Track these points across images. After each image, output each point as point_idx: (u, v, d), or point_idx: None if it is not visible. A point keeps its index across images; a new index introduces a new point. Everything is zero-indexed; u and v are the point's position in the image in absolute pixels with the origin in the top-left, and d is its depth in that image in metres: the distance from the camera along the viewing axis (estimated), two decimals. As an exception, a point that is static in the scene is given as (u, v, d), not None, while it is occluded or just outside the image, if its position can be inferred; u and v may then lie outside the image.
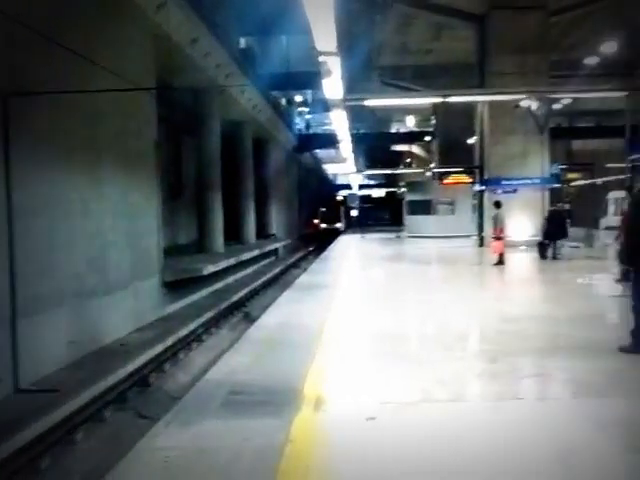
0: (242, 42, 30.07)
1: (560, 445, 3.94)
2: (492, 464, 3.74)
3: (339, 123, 20.30)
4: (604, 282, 12.91)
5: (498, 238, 16.52)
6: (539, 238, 18.49)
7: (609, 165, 33.11)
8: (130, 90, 10.65)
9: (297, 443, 4.04)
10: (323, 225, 57.84)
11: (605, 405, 4.78)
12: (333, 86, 11.51)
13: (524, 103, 19.39)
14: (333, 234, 46.75)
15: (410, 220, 35.15)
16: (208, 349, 12.61)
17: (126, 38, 12.66)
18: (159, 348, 11.21)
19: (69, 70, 9.68)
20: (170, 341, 11.83)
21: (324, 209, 58.76)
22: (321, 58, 9.72)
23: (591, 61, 22.04)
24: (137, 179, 13.47)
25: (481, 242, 24.39)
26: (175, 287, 15.45)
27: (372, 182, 69.78)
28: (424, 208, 34.27)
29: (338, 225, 57.87)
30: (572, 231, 22.16)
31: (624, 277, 11.67)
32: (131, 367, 9.80)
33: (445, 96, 13.79)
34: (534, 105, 19.84)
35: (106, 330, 11.22)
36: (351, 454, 3.90)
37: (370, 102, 15.41)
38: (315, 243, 43.49)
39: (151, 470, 3.73)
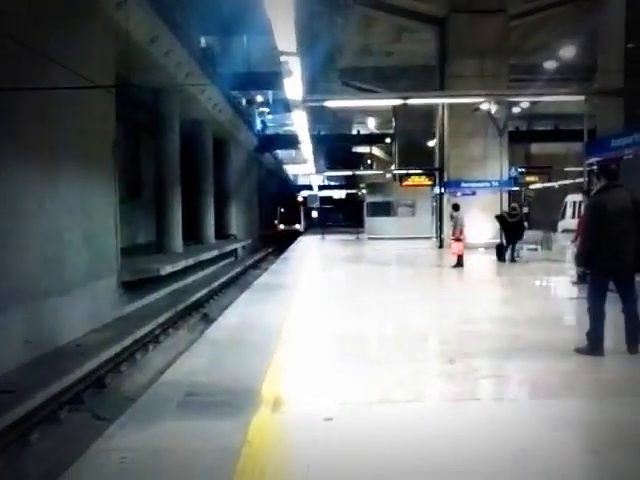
0: (203, 41, 29.91)
1: (516, 445, 4.01)
2: (449, 464, 3.78)
3: (300, 124, 20.34)
4: (562, 284, 13.19)
5: (457, 240, 16.73)
6: (497, 240, 18.74)
7: (567, 169, 33.84)
8: (88, 88, 10.46)
9: (254, 444, 4.05)
10: (282, 226, 55.11)
11: (559, 406, 4.86)
12: (294, 86, 11.51)
13: (483, 106, 19.67)
14: (293, 235, 45.34)
15: (370, 221, 35.32)
16: (165, 350, 12.53)
17: (84, 35, 12.47)
18: (116, 349, 11.12)
19: (23, 66, 9.51)
20: (127, 342, 11.75)
21: (283, 209, 56.45)
22: (282, 58, 9.71)
23: (550, 65, 22.42)
24: (95, 178, 13.31)
25: (440, 244, 24.69)
26: (133, 287, 15.33)
27: (333, 183, 70.08)
28: (384, 210, 34.45)
29: (297, 226, 55.33)
30: (530, 234, 22.58)
31: (581, 279, 11.92)
32: (87, 368, 9.72)
33: (405, 98, 13.88)
34: (493, 108, 20.13)
35: (62, 330, 11.06)
36: (308, 454, 3.91)
37: (330, 103, 15.42)
38: (275, 244, 43.52)
39: (106, 471, 3.70)
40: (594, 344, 6.36)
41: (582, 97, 14.85)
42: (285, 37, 8.88)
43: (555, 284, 13.48)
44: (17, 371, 9.30)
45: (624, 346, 6.39)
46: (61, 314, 11.09)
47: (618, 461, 3.76)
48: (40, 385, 8.40)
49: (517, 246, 17.99)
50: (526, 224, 19.88)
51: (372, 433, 4.28)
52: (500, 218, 18.18)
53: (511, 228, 17.64)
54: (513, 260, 17.54)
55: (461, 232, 16.71)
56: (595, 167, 12.53)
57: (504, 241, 17.91)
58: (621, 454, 3.87)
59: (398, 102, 16.15)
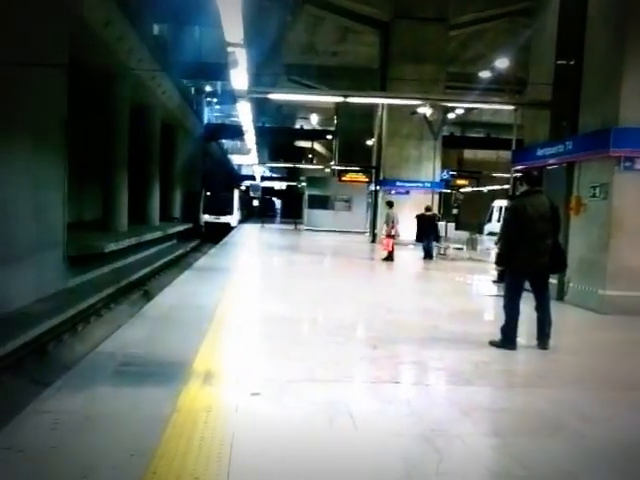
0: (155, 29, 29.56)
1: (429, 426, 4.22)
2: (366, 437, 3.99)
3: (244, 114, 20.42)
4: (483, 282, 13.71)
5: (389, 236, 17.25)
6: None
7: (495, 174, 35.04)
8: (42, 65, 10.39)
9: (183, 412, 4.19)
10: (206, 217, 39.17)
11: (470, 392, 5.11)
12: (239, 77, 11.65)
13: (420, 110, 20.23)
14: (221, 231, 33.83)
15: (309, 213, 35.78)
16: (105, 323, 12.64)
17: (39, 14, 12.30)
18: (59, 319, 11.19)
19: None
20: (70, 313, 11.80)
21: (209, 193, 40.11)
22: (229, 49, 9.86)
23: (485, 75, 23.23)
24: (44, 153, 13.17)
25: (373, 238, 25.24)
26: (77, 263, 15.31)
27: (275, 175, 70.18)
28: (322, 203, 34.97)
29: (228, 219, 39.50)
30: (457, 234, 23.38)
31: (500, 278, 12.54)
32: (30, 335, 9.77)
33: (346, 96, 14.20)
34: (429, 112, 20.72)
35: (5, 298, 10.95)
36: (234, 424, 4.06)
37: (274, 95, 15.65)
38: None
39: (39, 432, 3.77)
40: (507, 339, 6.70)
41: (512, 107, 15.57)
42: (232, 28, 9.02)
43: (476, 282, 13.98)
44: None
45: (535, 342, 6.77)
46: (5, 283, 10.99)
47: (519, 445, 3.99)
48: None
49: (434, 244, 18.86)
50: (439, 223, 20.65)
51: (296, 408, 4.46)
52: (418, 217, 18.87)
53: (425, 226, 18.39)
54: (430, 257, 18.21)
55: (392, 228, 17.23)
56: (520, 174, 13.17)
57: (421, 238, 18.63)
58: (523, 438, 4.12)
59: (339, 99, 16.51)
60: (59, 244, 13.99)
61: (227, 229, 35.30)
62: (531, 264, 6.64)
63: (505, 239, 6.94)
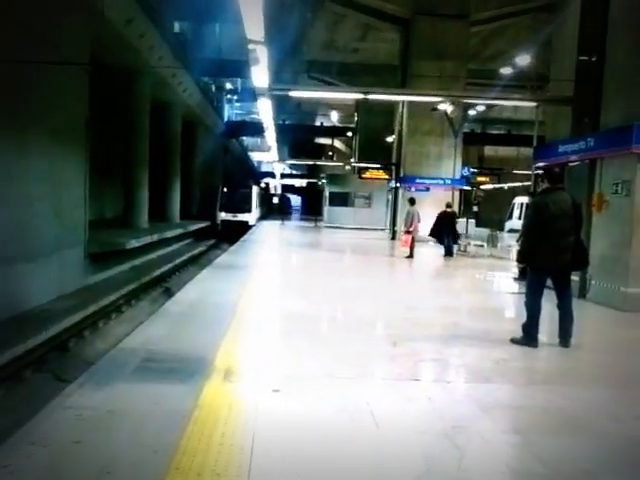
0: (176, 27, 29.72)
1: (448, 422, 4.22)
2: (387, 435, 3.98)
3: (265, 111, 20.46)
4: (503, 279, 13.61)
5: (407, 232, 17.27)
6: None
7: (516, 171, 34.79)
8: (63, 64, 10.50)
9: (204, 408, 4.21)
10: (223, 215, 36.82)
11: (491, 390, 5.08)
12: (260, 74, 11.68)
13: (441, 107, 20.13)
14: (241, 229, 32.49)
15: (329, 211, 35.85)
16: (127, 320, 12.78)
17: (61, 12, 12.43)
18: (80, 316, 11.31)
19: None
20: (91, 310, 11.92)
21: (226, 190, 37.63)
22: (250, 46, 9.88)
23: (506, 72, 23.08)
24: (67, 151, 13.33)
25: (393, 235, 25.20)
26: (98, 259, 15.46)
27: (295, 172, 70.32)
28: (342, 200, 35.01)
29: (246, 217, 37.12)
30: (477, 231, 23.25)
31: (521, 276, 12.48)
32: (51, 332, 9.87)
33: (366, 93, 14.17)
34: (450, 109, 20.62)
35: (28, 296, 11.10)
36: (255, 421, 4.08)
37: (295, 93, 15.66)
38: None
39: (63, 426, 3.81)
40: (529, 336, 6.67)
41: (534, 104, 15.42)
42: (253, 25, 9.03)
43: (497, 279, 13.87)
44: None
45: (557, 339, 6.72)
46: (27, 280, 11.13)
47: (541, 442, 3.97)
48: (5, 346, 8.50)
49: (456, 241, 18.83)
50: (458, 220, 20.63)
51: (316, 405, 4.46)
52: (439, 215, 18.82)
53: (445, 223, 18.34)
54: (450, 254, 18.16)
55: (411, 224, 17.24)
56: (541, 171, 13.07)
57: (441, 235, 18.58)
58: (544, 436, 4.10)
59: (359, 96, 16.47)
60: (81, 241, 14.15)
61: (245, 228, 33.57)
62: (553, 261, 6.61)
63: (527, 236, 6.92)
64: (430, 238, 19.55)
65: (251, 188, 38.62)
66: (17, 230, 10.78)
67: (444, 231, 18.35)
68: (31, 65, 10.07)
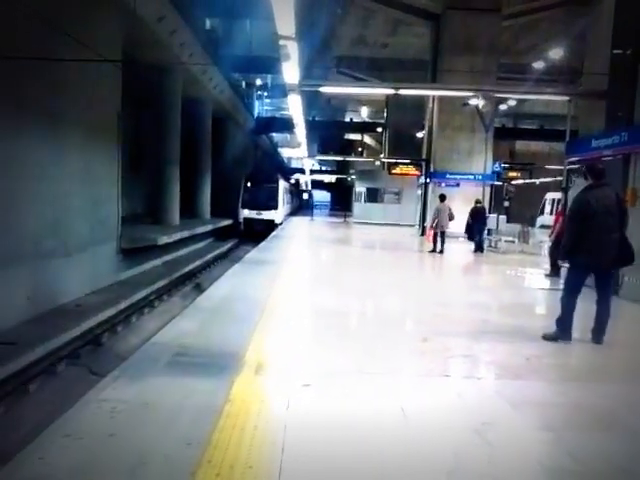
0: (207, 23, 29.90)
1: (478, 419, 4.20)
2: (418, 431, 3.97)
3: (295, 107, 20.50)
4: (535, 276, 13.46)
5: (431, 227, 17.41)
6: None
7: (548, 167, 34.33)
8: (96, 61, 10.66)
9: (236, 403, 4.25)
10: (246, 212, 32.95)
11: (521, 386, 5.05)
12: (291, 70, 11.71)
13: (472, 102, 19.99)
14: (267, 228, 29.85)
15: (358, 206, 35.82)
16: (159, 314, 12.92)
17: (94, 10, 12.61)
18: (113, 310, 11.52)
19: (34, 36, 9.65)
20: (123, 305, 12.11)
21: (249, 184, 33.51)
22: (281, 42, 9.91)
23: (538, 66, 22.80)
24: (100, 148, 13.57)
25: (423, 231, 25.10)
26: (130, 255, 15.73)
27: (324, 168, 70.34)
28: (372, 196, 34.97)
29: (272, 215, 33.24)
30: (509, 227, 23.01)
31: (554, 272, 12.35)
32: (85, 326, 10.07)
33: (397, 88, 14.15)
34: (481, 104, 20.46)
35: (63, 290, 11.29)
36: (286, 415, 4.10)
37: (325, 89, 15.69)
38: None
39: (97, 420, 3.86)
40: (562, 332, 6.64)
41: (566, 98, 15.22)
42: (284, 21, 9.05)
43: (528, 275, 13.72)
44: (20, 326, 9.56)
45: (588, 336, 6.66)
46: (63, 275, 11.35)
47: (573, 439, 3.93)
48: (41, 340, 8.71)
49: (486, 237, 18.94)
50: (489, 216, 20.58)
51: (347, 400, 4.47)
52: (471, 212, 18.74)
53: (476, 219, 18.37)
54: (480, 250, 18.09)
55: (434, 221, 17.38)
56: (574, 166, 12.90)
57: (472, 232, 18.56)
58: (577, 433, 4.07)
59: (390, 92, 16.47)
60: (113, 237, 14.38)
61: (270, 227, 30.52)
62: (597, 258, 6.53)
63: (569, 233, 6.79)
64: (461, 233, 19.48)
65: (278, 183, 34.85)
66: (53, 226, 10.98)
67: (474, 227, 18.30)
68: (67, 64, 10.22)
